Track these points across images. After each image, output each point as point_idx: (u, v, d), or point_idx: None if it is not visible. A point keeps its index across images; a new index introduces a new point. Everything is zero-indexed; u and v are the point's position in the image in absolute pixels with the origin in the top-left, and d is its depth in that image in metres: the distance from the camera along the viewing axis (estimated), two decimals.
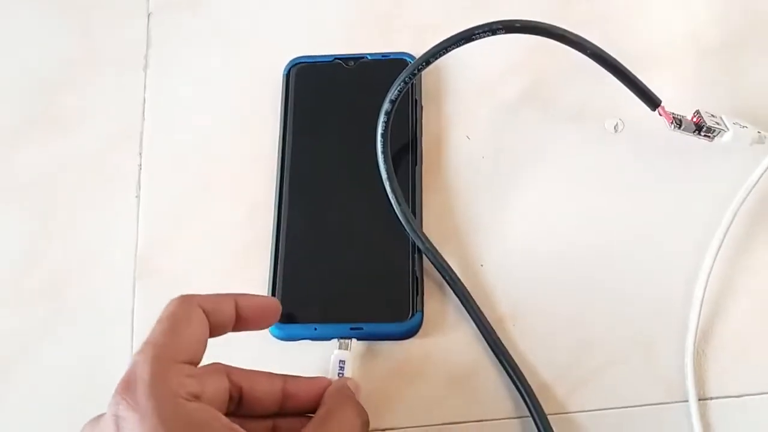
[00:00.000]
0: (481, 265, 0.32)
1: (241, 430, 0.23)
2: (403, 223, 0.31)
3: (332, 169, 0.33)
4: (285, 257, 0.32)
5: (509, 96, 0.35)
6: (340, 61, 0.35)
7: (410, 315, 0.30)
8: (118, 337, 0.32)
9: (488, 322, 0.30)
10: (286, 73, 0.35)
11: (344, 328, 0.30)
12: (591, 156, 0.33)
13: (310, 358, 0.30)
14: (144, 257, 0.33)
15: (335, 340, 0.30)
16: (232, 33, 0.38)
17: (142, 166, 0.35)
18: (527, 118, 0.34)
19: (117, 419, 0.22)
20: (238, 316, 0.26)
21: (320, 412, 0.26)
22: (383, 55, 0.35)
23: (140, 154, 0.35)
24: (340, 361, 0.29)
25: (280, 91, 0.35)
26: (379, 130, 0.31)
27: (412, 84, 0.31)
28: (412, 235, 0.31)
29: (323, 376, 0.28)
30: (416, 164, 0.32)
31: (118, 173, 0.35)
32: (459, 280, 0.30)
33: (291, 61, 0.35)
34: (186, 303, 0.25)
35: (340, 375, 0.29)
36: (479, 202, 0.33)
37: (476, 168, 0.33)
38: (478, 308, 0.30)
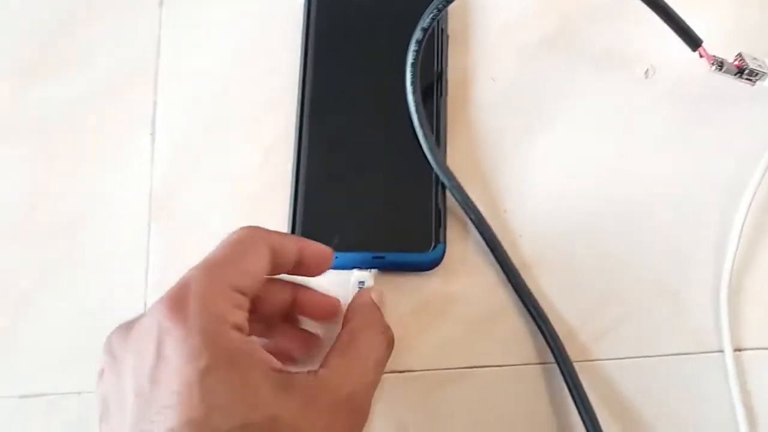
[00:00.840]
0: (505, 211, 0.31)
1: (280, 365, 0.22)
2: (429, 157, 0.30)
3: (354, 98, 0.32)
4: (306, 187, 0.31)
5: (536, 38, 0.33)
6: None
7: (432, 246, 0.29)
8: (132, 279, 0.31)
9: (514, 265, 0.29)
10: (307, 1, 0.34)
11: (366, 257, 0.29)
12: (620, 101, 0.32)
13: (330, 287, 0.29)
14: (159, 198, 0.32)
15: (355, 271, 0.29)
16: None
17: (157, 104, 0.34)
18: (554, 61, 0.33)
19: (160, 329, 0.21)
20: (298, 259, 0.25)
21: (343, 334, 0.25)
22: None
23: (155, 91, 0.34)
24: (359, 282, 0.29)
25: (299, 23, 0.33)
26: (409, 60, 0.29)
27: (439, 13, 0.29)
28: (438, 171, 0.30)
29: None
30: (441, 96, 0.31)
31: (132, 111, 0.34)
32: (485, 220, 0.29)
33: None
34: (254, 233, 0.24)
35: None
36: (503, 146, 0.32)
37: (501, 111, 0.32)
38: (504, 251, 0.29)
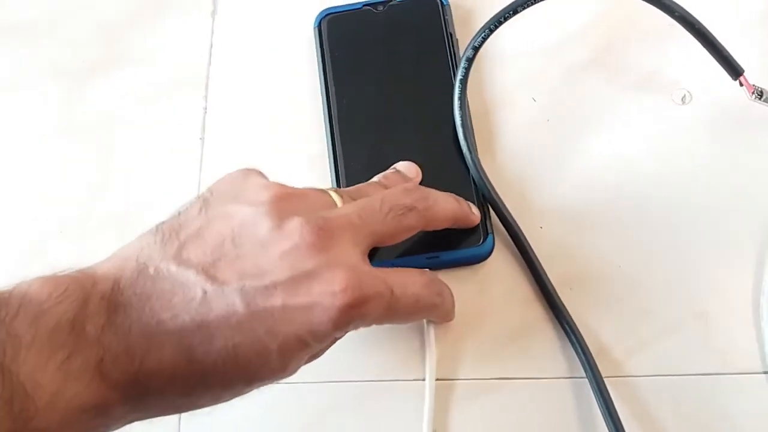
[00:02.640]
0: (540, 227, 0.32)
1: None
2: (471, 171, 0.31)
3: (382, 113, 0.33)
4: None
5: (576, 59, 0.34)
6: (369, 7, 0.35)
7: (483, 238, 0.30)
8: None
9: (549, 280, 0.30)
10: (317, 25, 0.35)
11: (420, 259, 0.30)
12: (658, 125, 0.33)
13: None
14: None
15: None
16: None
17: (207, 110, 0.35)
18: (593, 83, 0.34)
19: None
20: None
21: None
22: None
23: (205, 97, 0.36)
24: None
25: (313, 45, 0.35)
26: (459, 76, 0.31)
27: (444, 18, 0.31)
28: (480, 186, 0.31)
29: None
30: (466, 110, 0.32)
31: (184, 114, 0.36)
32: (522, 234, 0.30)
33: (320, 13, 0.35)
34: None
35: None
36: (542, 164, 0.33)
37: (541, 130, 0.33)
38: (540, 265, 0.30)
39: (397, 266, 0.29)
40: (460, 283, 0.31)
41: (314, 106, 0.35)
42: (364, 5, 0.35)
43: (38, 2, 0.39)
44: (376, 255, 0.30)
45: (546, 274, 0.30)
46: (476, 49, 0.30)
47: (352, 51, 0.34)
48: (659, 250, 0.31)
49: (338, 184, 0.32)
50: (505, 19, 0.29)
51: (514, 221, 0.30)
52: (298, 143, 0.34)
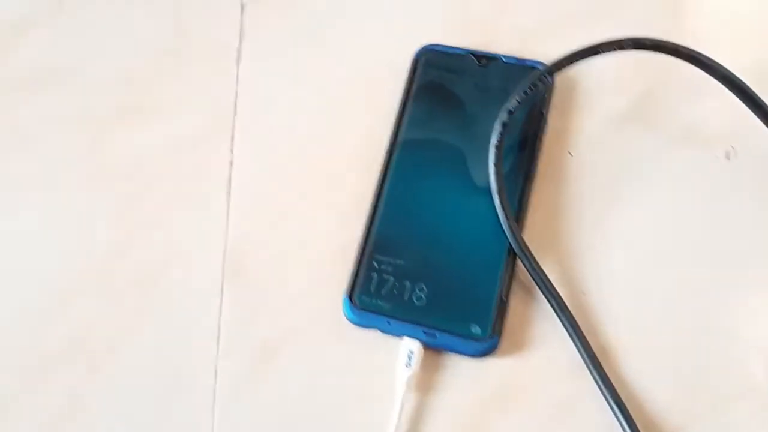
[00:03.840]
0: (583, 293, 0.30)
1: None
2: (509, 239, 0.30)
3: (441, 166, 0.32)
4: (372, 247, 0.31)
5: (615, 112, 0.33)
6: (473, 57, 0.34)
7: (487, 336, 0.29)
8: (202, 339, 0.31)
9: (593, 351, 0.29)
10: (416, 57, 0.34)
11: (417, 330, 0.29)
12: (702, 182, 0.32)
13: (380, 346, 0.30)
14: (233, 258, 0.33)
15: (405, 338, 0.29)
16: (337, 24, 0.37)
17: (234, 163, 0.35)
18: (633, 137, 0.33)
19: None
20: None
21: None
22: (518, 60, 0.34)
23: (232, 150, 0.35)
24: (409, 350, 0.29)
25: (393, 83, 0.34)
26: (494, 140, 0.30)
27: (542, 95, 0.30)
28: (519, 254, 0.30)
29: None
30: (528, 180, 0.31)
31: (208, 168, 0.35)
32: (565, 304, 0.29)
33: (423, 47, 0.35)
34: None
35: (408, 366, 0.29)
36: (581, 225, 0.32)
37: (578, 187, 0.32)
38: (584, 336, 0.29)
39: (393, 325, 0.29)
40: (493, 354, 0.30)
41: (353, 155, 0.34)
42: (468, 53, 0.34)
43: (60, 50, 0.38)
44: (376, 307, 0.29)
45: (589, 344, 0.29)
46: (511, 113, 0.29)
47: (437, 95, 0.33)
48: (710, 316, 0.30)
49: (368, 234, 0.31)
50: (536, 85, 0.28)
51: (554, 288, 0.29)
52: (333, 196, 0.33)
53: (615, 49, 0.27)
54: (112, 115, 0.36)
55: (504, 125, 0.29)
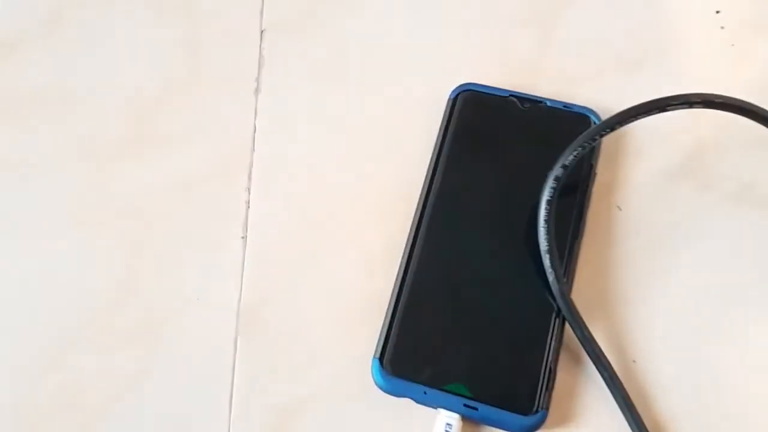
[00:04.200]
0: (634, 361, 0.28)
1: None
2: (560, 304, 0.27)
3: (481, 218, 0.29)
4: (405, 308, 0.28)
5: (666, 165, 0.31)
6: (515, 99, 0.32)
7: (534, 410, 0.26)
8: (213, 402, 0.28)
9: (645, 425, 0.26)
10: (453, 97, 0.32)
11: (456, 401, 0.27)
12: (758, 244, 0.29)
13: (413, 418, 0.27)
14: (248, 308, 0.30)
15: (442, 410, 0.27)
16: (365, 54, 0.34)
17: (251, 203, 0.32)
18: (686, 192, 0.30)
19: None
20: None
21: None
22: (564, 105, 0.31)
23: (248, 189, 0.32)
24: (447, 423, 0.26)
25: (431, 123, 0.31)
26: (545, 197, 0.27)
27: (592, 146, 0.27)
28: (570, 321, 0.27)
29: None
30: (576, 238, 0.29)
31: (222, 209, 0.31)
32: (617, 377, 0.26)
33: (460, 86, 0.32)
34: None
35: None
36: (630, 286, 0.29)
37: (628, 245, 0.30)
38: (636, 410, 0.26)
39: (429, 395, 0.26)
40: (540, 429, 0.27)
41: (384, 199, 0.31)
42: (510, 95, 0.32)
43: (59, 71, 0.35)
44: (410, 374, 0.27)
45: (641, 418, 0.26)
46: (566, 168, 0.27)
47: (476, 139, 0.31)
48: None
49: (400, 292, 0.28)
50: (601, 136, 0.26)
51: (605, 358, 0.27)
52: (359, 242, 0.30)
53: (683, 106, 0.25)
54: (116, 146, 0.33)
55: (558, 180, 0.27)
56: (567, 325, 0.28)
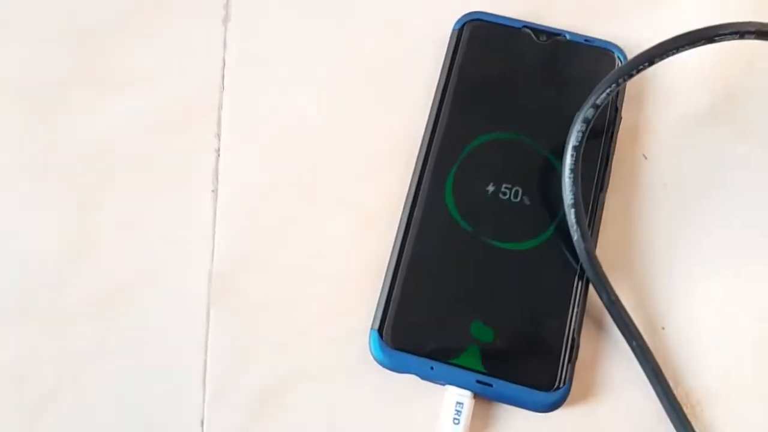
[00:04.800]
0: (663, 328, 0.25)
1: None
2: (585, 266, 0.24)
3: (492, 168, 0.26)
4: (407, 269, 0.24)
5: (696, 110, 0.28)
6: (529, 31, 0.27)
7: (556, 385, 0.23)
8: (186, 379, 0.24)
9: (677, 401, 0.23)
10: (458, 28, 0.28)
11: (468, 377, 0.23)
12: None
13: (418, 397, 0.24)
14: (222, 275, 0.25)
15: (451, 387, 0.24)
16: None
17: (221, 151, 0.27)
18: (718, 139, 0.27)
19: None
20: None
21: None
22: (586, 38, 0.27)
23: (218, 135, 0.27)
24: (457, 402, 0.23)
25: (435, 59, 0.27)
26: (571, 142, 0.24)
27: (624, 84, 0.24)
28: (596, 285, 0.24)
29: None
30: (601, 190, 0.25)
31: (188, 158, 0.27)
32: (648, 348, 0.23)
33: (466, 16, 0.28)
34: None
35: (456, 423, 0.23)
36: (660, 245, 0.26)
37: (655, 198, 0.26)
38: (667, 383, 0.23)
39: (437, 370, 0.23)
40: (582, 389, 0.24)
41: (379, 146, 0.27)
42: (524, 26, 0.28)
43: None
44: (413, 348, 0.23)
45: (672, 392, 0.23)
46: (597, 108, 0.23)
47: (485, 78, 0.27)
48: None
49: (401, 254, 0.24)
50: (638, 71, 0.22)
51: (635, 327, 0.24)
52: (349, 198, 0.26)
53: (733, 37, 0.22)
54: (63, 84, 0.28)
55: (587, 123, 0.23)
56: (590, 290, 0.25)
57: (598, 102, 0.23)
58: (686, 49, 0.22)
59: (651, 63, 0.22)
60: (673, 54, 0.22)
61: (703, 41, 0.22)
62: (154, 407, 0.24)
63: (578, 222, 0.23)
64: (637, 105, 0.28)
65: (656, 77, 0.28)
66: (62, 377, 0.24)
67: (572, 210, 0.23)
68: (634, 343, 0.24)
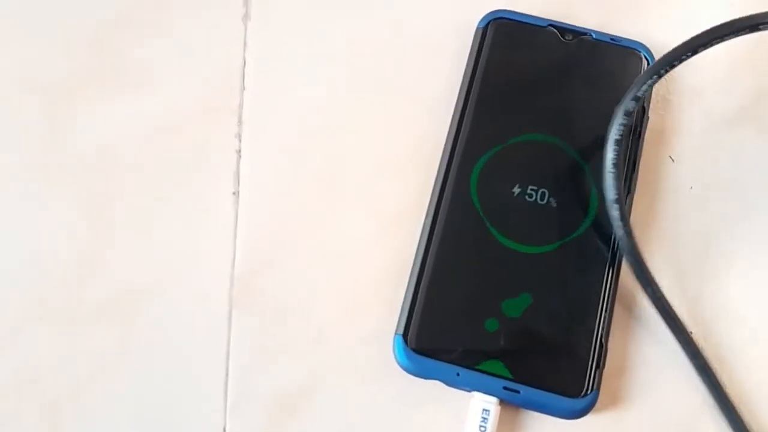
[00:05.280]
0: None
1: None
2: (630, 262, 0.23)
3: (519, 168, 0.25)
4: (432, 272, 0.24)
5: (724, 111, 0.27)
6: (555, 30, 0.27)
7: (584, 392, 0.23)
8: (207, 383, 0.24)
9: (729, 397, 0.23)
10: (482, 26, 0.27)
11: (494, 383, 0.23)
12: None
13: (443, 403, 0.23)
14: (244, 277, 0.25)
15: (477, 394, 0.23)
16: None
17: (242, 152, 0.26)
18: (746, 141, 0.27)
19: None
20: None
21: None
22: (612, 38, 0.27)
23: (239, 135, 0.27)
24: (483, 409, 0.23)
25: (460, 56, 0.27)
26: (613, 135, 0.23)
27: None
28: (640, 279, 0.23)
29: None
30: (629, 193, 0.25)
31: (208, 160, 0.26)
32: (695, 343, 0.23)
33: (490, 14, 0.27)
34: None
35: (482, 429, 0.22)
36: (687, 249, 0.25)
37: (682, 201, 0.26)
38: (718, 379, 0.23)
39: (462, 377, 0.23)
40: (610, 394, 0.23)
41: (404, 145, 0.26)
42: (550, 24, 0.27)
43: None
44: (439, 354, 0.23)
45: (721, 384, 0.23)
46: (638, 101, 0.23)
47: (511, 77, 0.26)
48: None
49: (425, 258, 0.24)
50: (680, 61, 0.22)
51: (679, 318, 0.23)
52: (373, 198, 0.26)
53: None
54: (79, 83, 0.27)
55: (628, 116, 0.23)
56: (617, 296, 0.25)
57: (639, 94, 0.22)
58: (729, 38, 0.21)
59: (694, 52, 0.21)
60: (716, 43, 0.21)
61: (746, 30, 0.21)
62: (175, 413, 0.24)
63: (622, 218, 0.23)
64: (664, 106, 0.27)
65: (683, 78, 0.28)
66: (80, 382, 0.24)
67: (615, 205, 0.23)
68: (682, 338, 0.23)
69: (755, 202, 0.26)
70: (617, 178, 0.23)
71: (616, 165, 0.23)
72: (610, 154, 0.23)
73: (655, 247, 0.25)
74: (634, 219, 0.25)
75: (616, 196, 0.23)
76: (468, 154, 0.26)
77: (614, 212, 0.23)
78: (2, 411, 0.24)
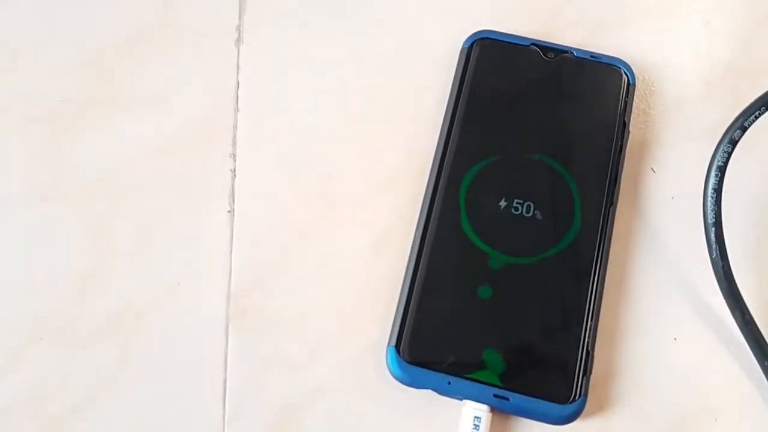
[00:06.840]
0: (675, 339, 0.26)
1: None
2: (721, 286, 0.24)
3: (507, 182, 0.26)
4: (423, 284, 0.25)
5: (704, 122, 0.28)
6: (537, 49, 0.28)
7: (572, 398, 0.24)
8: (206, 397, 0.24)
9: None
10: (467, 46, 0.28)
11: (485, 391, 0.24)
12: None
13: (435, 412, 0.24)
14: (239, 293, 0.26)
15: (469, 402, 0.24)
16: None
17: (237, 172, 0.27)
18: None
19: None
20: None
21: None
22: (592, 55, 0.28)
23: (233, 155, 0.28)
24: (475, 417, 0.23)
25: (445, 75, 0.28)
26: (717, 161, 0.24)
27: (624, 100, 0.24)
28: (730, 303, 0.24)
29: None
30: (611, 204, 0.26)
31: (204, 179, 0.27)
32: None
33: (475, 34, 0.28)
34: None
35: None
36: (670, 261, 0.26)
37: (664, 211, 0.27)
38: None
39: (454, 385, 0.23)
40: (598, 401, 0.24)
41: (393, 162, 0.27)
42: (532, 43, 0.28)
43: (7, 24, 0.29)
44: (431, 363, 0.24)
45: None
46: (744, 130, 0.24)
47: (495, 96, 0.27)
48: None
49: (416, 270, 0.25)
50: None
51: (766, 343, 0.23)
52: (365, 214, 0.27)
53: None
54: (78, 108, 0.28)
55: (733, 144, 0.24)
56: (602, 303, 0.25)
57: (746, 124, 0.24)
58: None
59: None
60: None
61: None
62: (174, 430, 0.24)
63: (717, 241, 0.24)
64: (645, 120, 0.28)
65: (663, 91, 0.29)
66: (80, 400, 0.24)
67: (713, 229, 0.24)
68: (766, 363, 0.24)
69: (735, 211, 0.26)
70: (716, 203, 0.24)
71: (716, 191, 0.24)
72: (711, 180, 0.24)
73: (635, 258, 0.26)
74: (617, 229, 0.26)
75: (714, 220, 0.24)
76: (456, 169, 0.26)
77: (711, 235, 0.24)
78: (3, 431, 0.24)
